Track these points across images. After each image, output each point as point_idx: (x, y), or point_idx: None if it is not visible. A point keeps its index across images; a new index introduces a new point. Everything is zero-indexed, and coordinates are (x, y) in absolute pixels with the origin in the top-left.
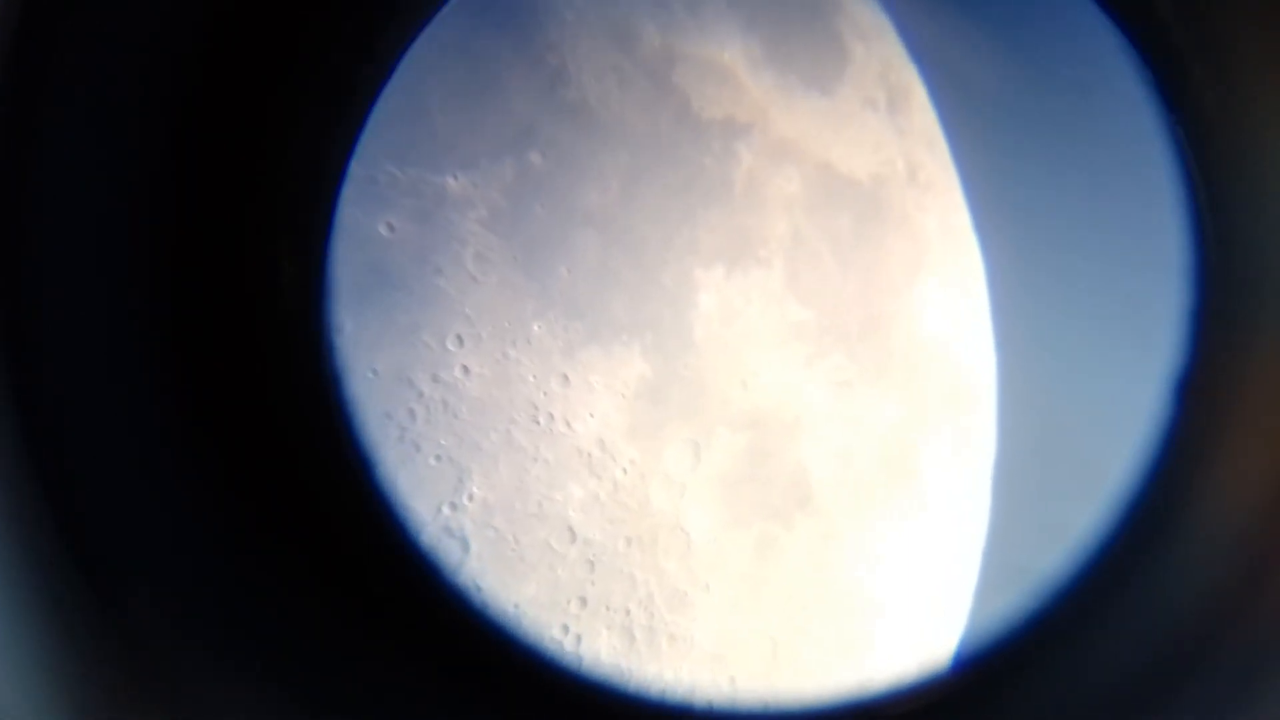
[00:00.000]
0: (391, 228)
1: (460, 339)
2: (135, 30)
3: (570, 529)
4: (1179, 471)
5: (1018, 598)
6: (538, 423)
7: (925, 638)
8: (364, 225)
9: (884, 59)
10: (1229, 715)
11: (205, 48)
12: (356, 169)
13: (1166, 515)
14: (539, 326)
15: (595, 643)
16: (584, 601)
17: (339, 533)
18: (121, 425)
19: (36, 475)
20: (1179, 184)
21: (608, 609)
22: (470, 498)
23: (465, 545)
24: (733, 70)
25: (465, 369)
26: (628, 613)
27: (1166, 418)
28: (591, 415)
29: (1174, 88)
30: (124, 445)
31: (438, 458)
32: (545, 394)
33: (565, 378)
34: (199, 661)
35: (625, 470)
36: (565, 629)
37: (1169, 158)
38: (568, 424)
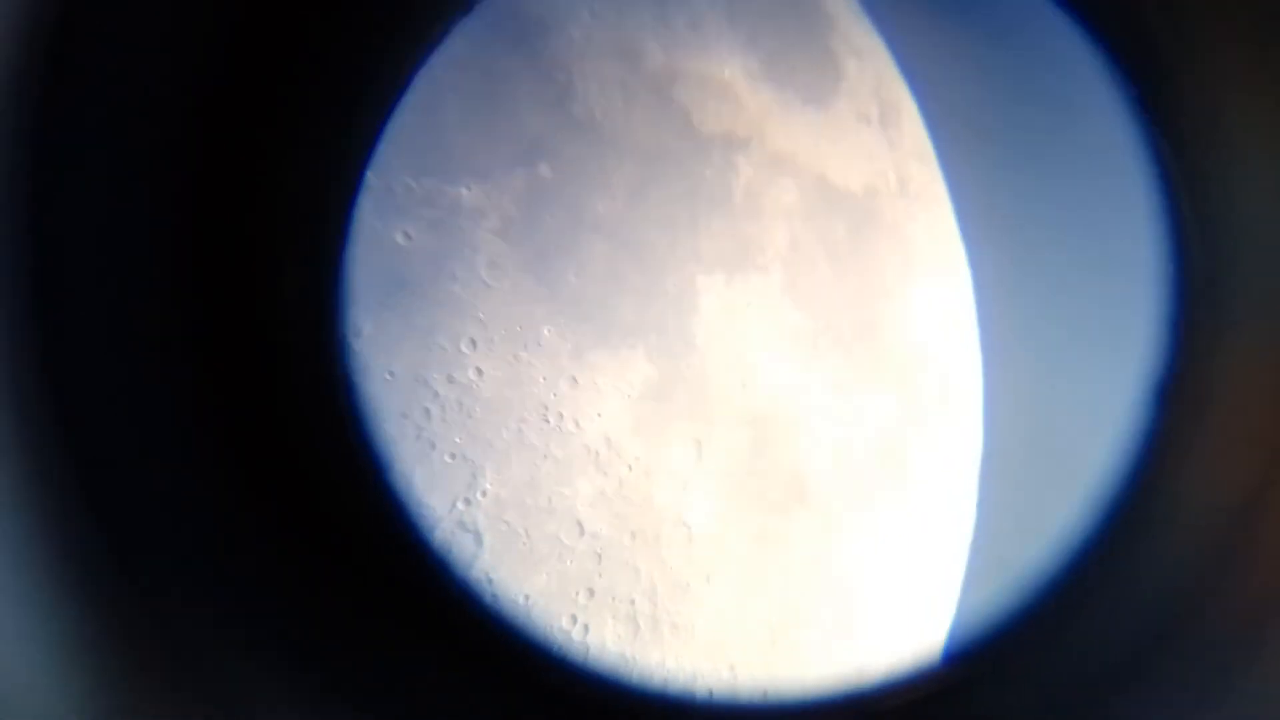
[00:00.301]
0: (408, 236)
1: (474, 342)
2: (144, 36)
3: (578, 523)
4: (1158, 470)
5: (1006, 588)
6: (548, 422)
7: (918, 624)
8: (382, 234)
9: (876, 75)
10: (1206, 705)
11: (215, 61)
12: (375, 180)
13: (1148, 511)
14: (549, 330)
15: (602, 631)
16: (591, 592)
17: (352, 533)
18: (134, 431)
19: (63, 472)
20: (1161, 193)
21: (614, 599)
22: (483, 494)
23: (479, 539)
24: (732, 86)
25: (479, 370)
26: (632, 602)
27: (1146, 419)
28: (599, 415)
29: (1156, 98)
30: (136, 452)
31: (452, 455)
32: (555, 394)
33: (574, 379)
34: (211, 659)
35: (631, 467)
36: (573, 618)
37: (1151, 167)
38: (576, 423)
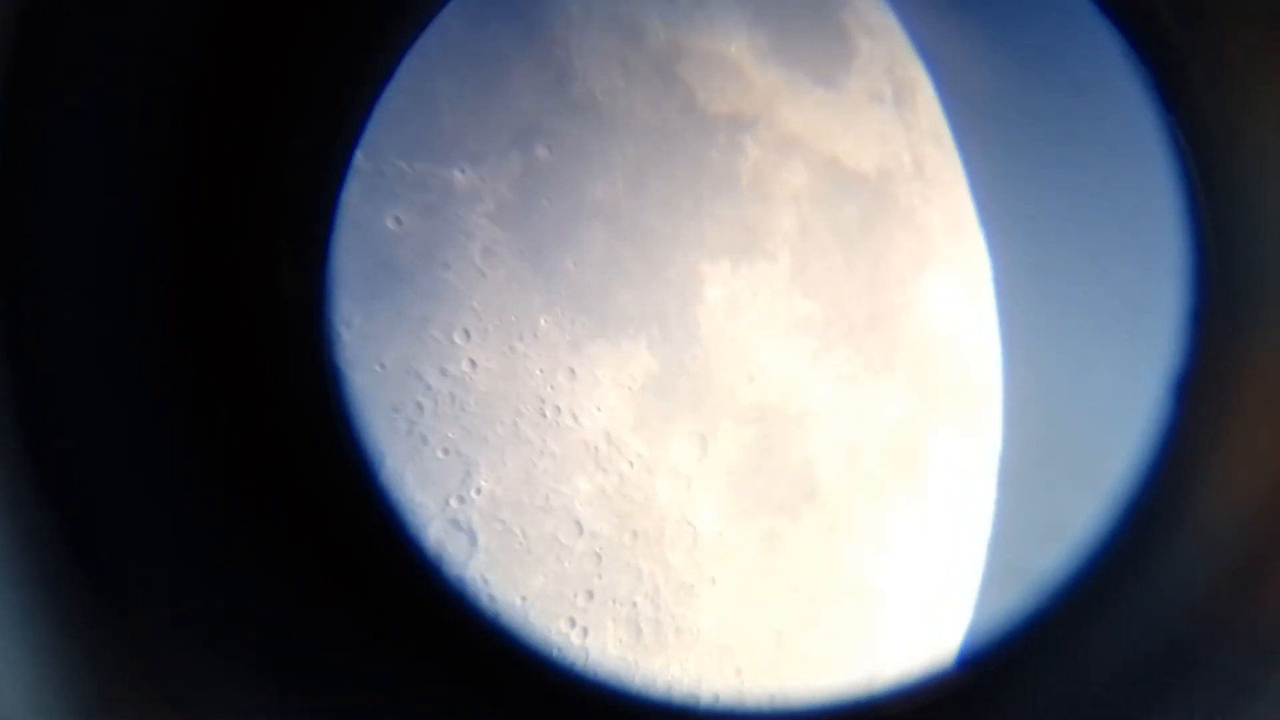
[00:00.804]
0: (399, 222)
1: (467, 332)
2: (136, 29)
3: (577, 522)
4: (1178, 471)
5: (1022, 592)
6: (545, 416)
7: (931, 630)
8: (371, 219)
9: (890, 53)
10: (1229, 712)
11: (206, 47)
12: (365, 163)
13: (1167, 513)
14: (546, 320)
15: (602, 635)
16: (590, 594)
17: (342, 533)
18: (123, 427)
19: (39, 479)
20: (1178, 184)
21: (614, 602)
22: (478, 491)
23: (473, 538)
24: (739, 64)
25: (472, 362)
26: (634, 605)
27: (1166, 417)
28: (598, 409)
29: (1173, 89)
30: (126, 448)
31: (445, 451)
32: (552, 387)
33: (572, 371)
34: (202, 662)
35: (632, 464)
36: (572, 622)
37: (1168, 158)
38: (574, 417)
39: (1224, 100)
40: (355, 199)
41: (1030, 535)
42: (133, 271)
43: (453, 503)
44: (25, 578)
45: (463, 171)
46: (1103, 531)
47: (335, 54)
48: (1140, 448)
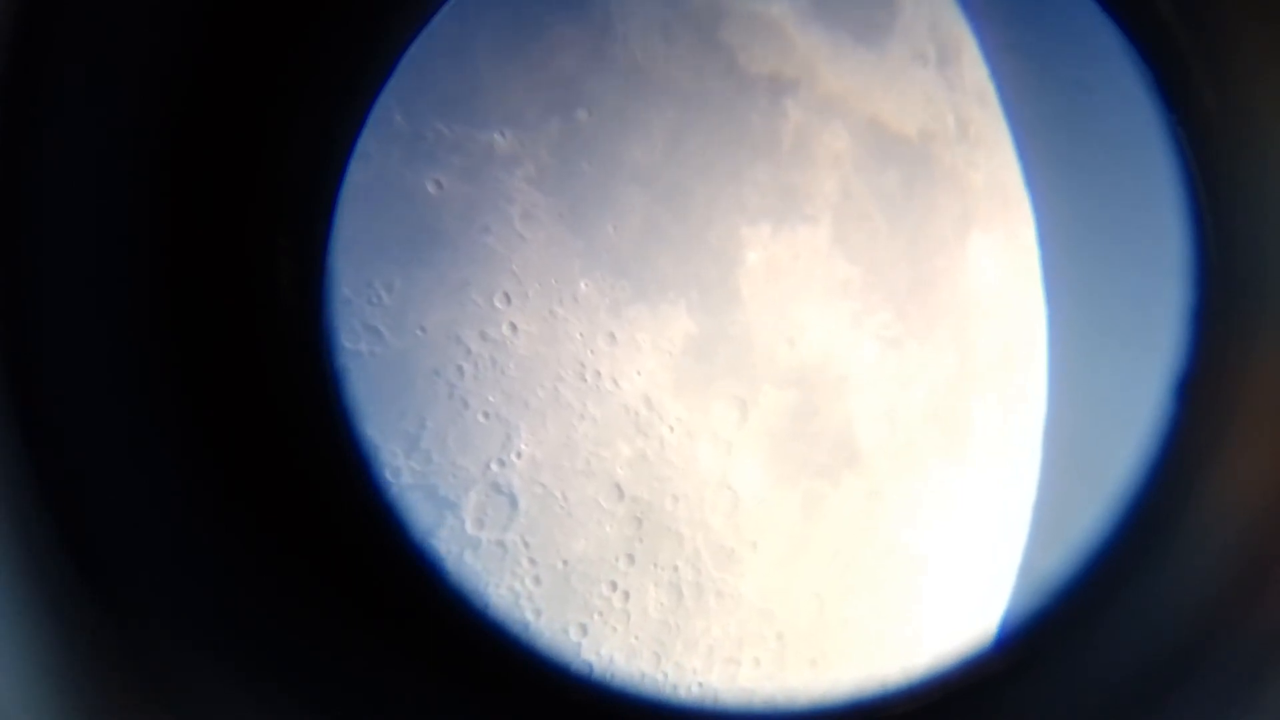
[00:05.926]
0: (439, 185)
1: (508, 296)
2: (135, 17)
3: (618, 486)
4: (1182, 470)
5: (1025, 593)
6: (585, 380)
7: (971, 595)
8: (412, 183)
9: (933, 12)
10: (1233, 712)
11: (207, 38)
12: (405, 126)
13: (1170, 513)
14: (586, 284)
15: (643, 599)
16: (632, 558)
17: (341, 534)
18: (122, 427)
19: (36, 478)
20: (1180, 184)
21: (655, 566)
22: (518, 454)
23: (514, 501)
24: (780, 25)
25: (513, 326)
26: (675, 569)
27: (1168, 416)
28: (638, 373)
29: (1174, 87)
30: (125, 449)
31: (486, 414)
32: (592, 351)
33: (612, 335)
34: (201, 666)
35: (672, 428)
36: (613, 585)
37: (1170, 158)
38: (615, 382)
39: (1227, 100)
40: (395, 163)
41: (1074, 498)
42: (132, 272)
43: (493, 466)
44: (23, 581)
45: (502, 135)
46: (1104, 532)
47: (335, 47)
48: (1142, 448)
